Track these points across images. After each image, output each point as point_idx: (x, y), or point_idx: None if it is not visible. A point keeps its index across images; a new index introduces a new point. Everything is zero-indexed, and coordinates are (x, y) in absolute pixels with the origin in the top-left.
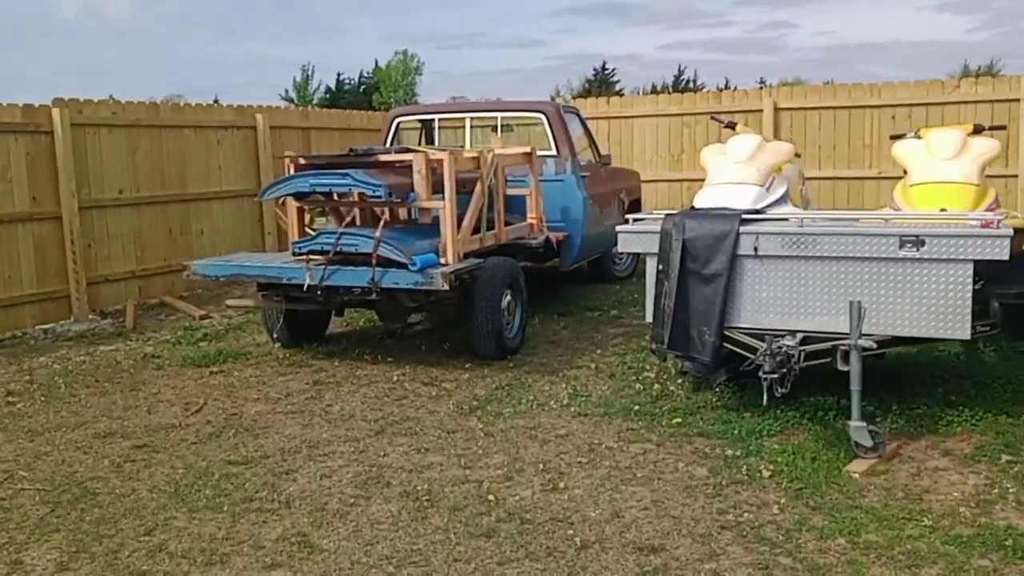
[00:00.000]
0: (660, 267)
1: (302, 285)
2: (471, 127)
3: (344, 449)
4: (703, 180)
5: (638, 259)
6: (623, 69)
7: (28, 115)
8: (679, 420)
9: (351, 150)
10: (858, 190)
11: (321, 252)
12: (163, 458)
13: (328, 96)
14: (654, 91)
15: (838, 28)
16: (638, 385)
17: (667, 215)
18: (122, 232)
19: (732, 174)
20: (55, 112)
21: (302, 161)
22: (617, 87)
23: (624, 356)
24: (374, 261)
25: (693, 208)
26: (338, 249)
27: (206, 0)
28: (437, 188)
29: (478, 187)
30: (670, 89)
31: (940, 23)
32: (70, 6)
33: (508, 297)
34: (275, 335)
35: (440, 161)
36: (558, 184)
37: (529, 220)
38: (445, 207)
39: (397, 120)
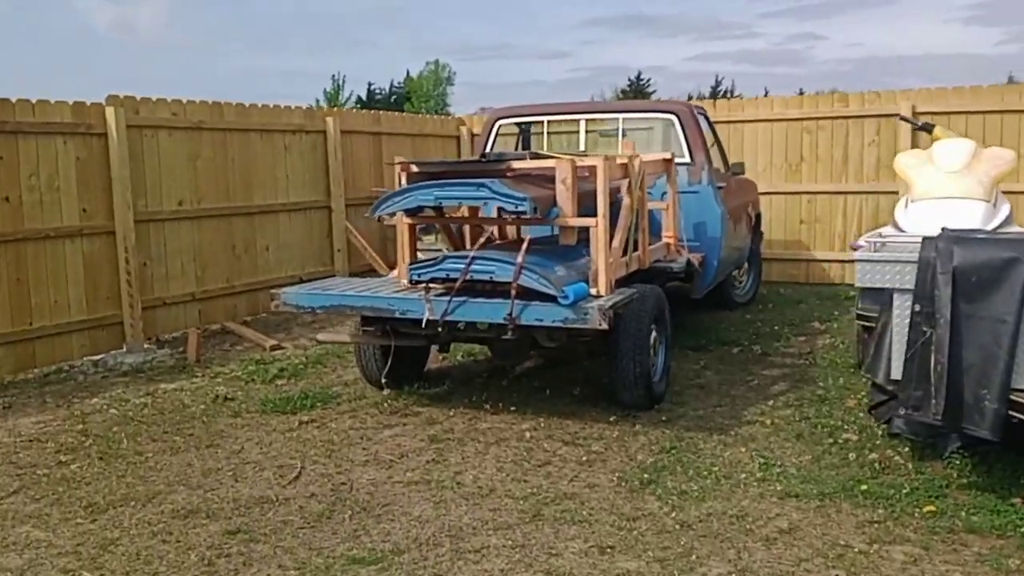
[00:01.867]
0: (918, 307)
1: (419, 320)
2: (586, 131)
3: (498, 542)
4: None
5: (759, 283)
6: (651, 81)
7: (79, 114)
8: (932, 508)
9: (482, 155)
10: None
11: (445, 280)
12: (265, 551)
13: (359, 107)
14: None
15: (866, 40)
16: (842, 451)
17: (925, 239)
18: (181, 249)
19: (949, 187)
20: (109, 111)
21: (415, 169)
22: (652, 98)
23: (801, 408)
24: (514, 292)
25: (899, 229)
26: (468, 277)
27: (235, 14)
28: (579, 201)
29: (627, 200)
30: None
31: (969, 36)
32: (101, 18)
33: (654, 333)
34: (371, 375)
35: (592, 168)
36: (692, 196)
37: (665, 239)
38: (598, 225)
39: (499, 123)
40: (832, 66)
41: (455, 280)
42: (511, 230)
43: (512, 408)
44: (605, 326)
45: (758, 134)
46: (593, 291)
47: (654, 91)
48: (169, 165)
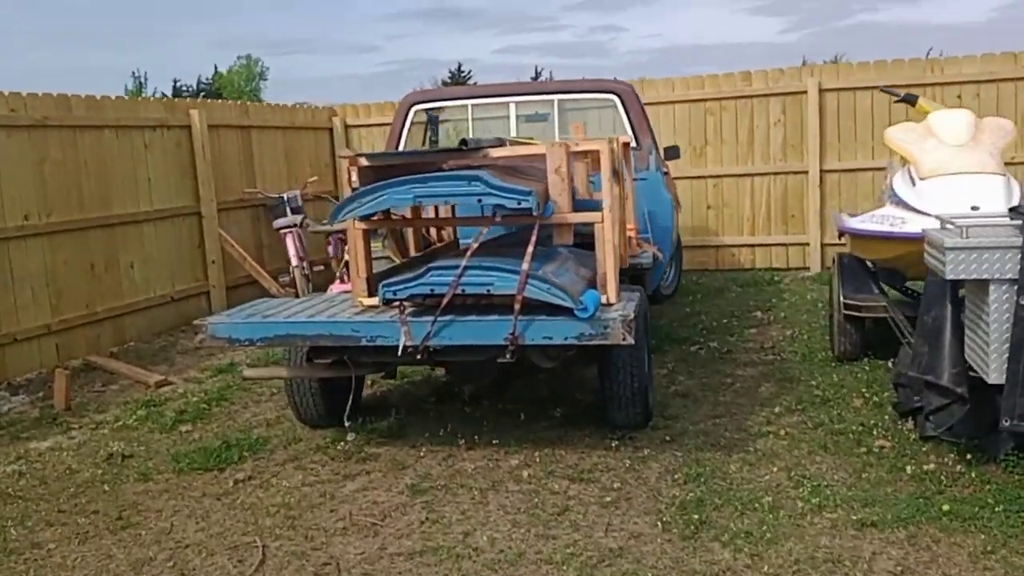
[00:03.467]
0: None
1: (392, 347)
2: (517, 116)
3: None
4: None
5: (681, 273)
6: (471, 73)
7: None
8: None
9: (462, 142)
10: None
11: (428, 296)
12: None
13: None
14: None
15: (665, 31)
16: (882, 462)
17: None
18: (31, 273)
19: (962, 161)
20: None
21: (364, 162)
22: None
23: (806, 412)
24: (518, 306)
25: (910, 208)
26: (460, 291)
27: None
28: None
29: (615, 190)
30: None
31: (755, 25)
32: None
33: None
34: (307, 413)
35: (595, 153)
36: (641, 183)
37: (627, 232)
38: (604, 221)
39: (414, 108)
40: (635, 56)
41: (440, 296)
42: (445, 232)
43: (491, 441)
44: (631, 340)
45: (659, 116)
46: (603, 299)
47: (475, 83)
48: (10, 172)
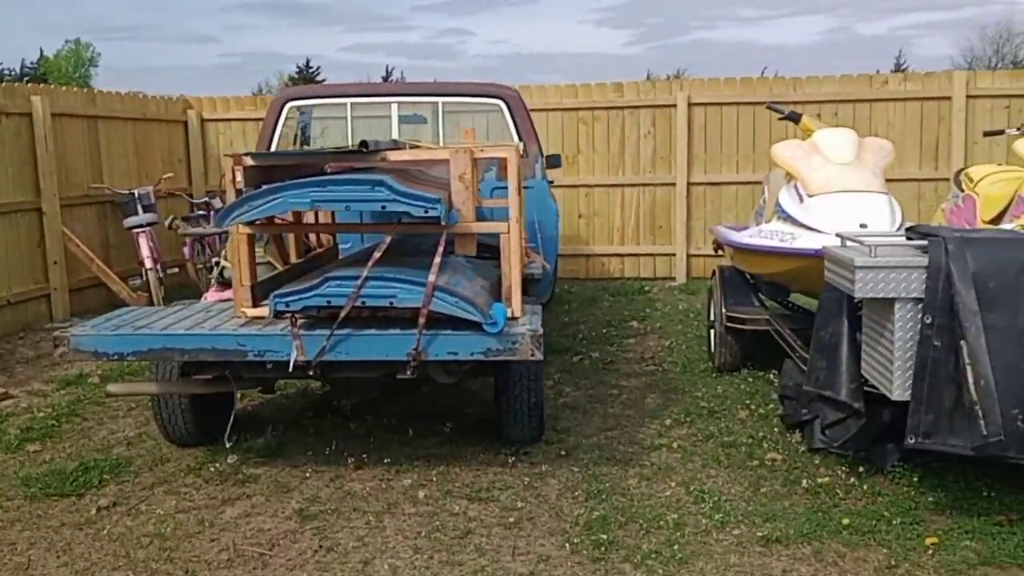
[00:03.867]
0: (929, 319)
1: (282, 363)
2: (399, 117)
3: None
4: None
5: (555, 281)
6: (319, 70)
7: None
8: (934, 540)
9: (363, 144)
10: None
11: (324, 308)
12: None
13: None
14: None
15: (511, 38)
16: (775, 474)
17: (930, 239)
18: None
19: (848, 180)
20: None
21: (250, 162)
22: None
23: (694, 424)
24: (423, 320)
25: (799, 224)
26: (360, 303)
27: None
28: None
29: (515, 197)
30: None
31: (601, 36)
32: None
33: None
34: (176, 432)
35: (503, 160)
36: (529, 192)
37: None
38: (512, 231)
39: (289, 105)
40: (483, 61)
41: (337, 308)
42: (324, 238)
43: (381, 459)
44: (539, 355)
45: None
46: (510, 312)
47: (324, 79)
48: None
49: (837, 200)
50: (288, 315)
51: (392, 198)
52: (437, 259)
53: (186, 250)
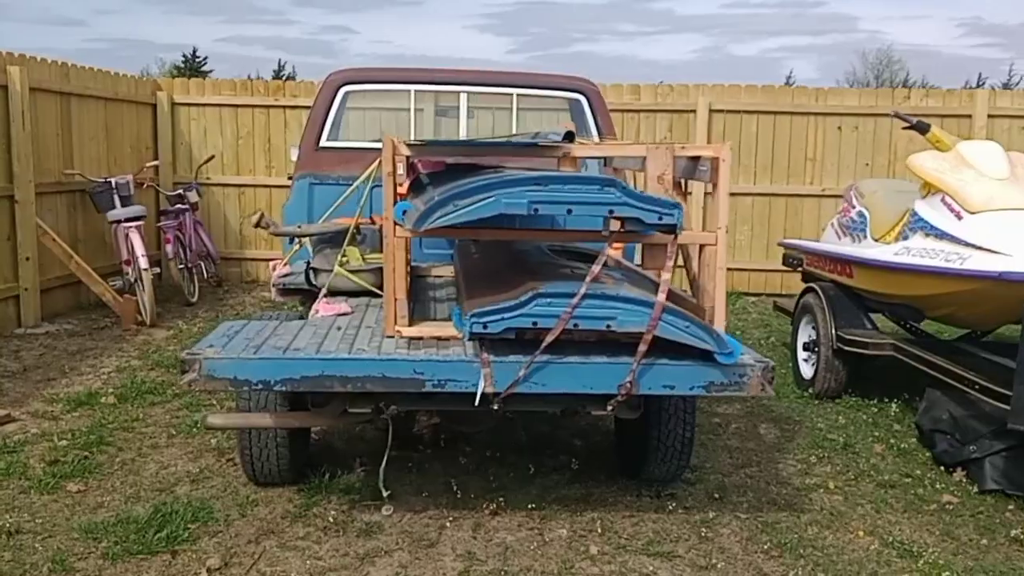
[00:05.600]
0: None
1: (467, 395)
2: (468, 108)
3: None
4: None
5: None
6: (207, 60)
7: None
8: None
9: (536, 136)
10: (796, 208)
11: (530, 330)
12: None
13: None
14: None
15: (394, 38)
16: (966, 520)
17: None
18: None
19: (1015, 197)
20: None
21: (405, 151)
22: (211, 77)
23: (833, 459)
24: (645, 347)
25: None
26: (573, 325)
27: None
28: None
29: (725, 203)
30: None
31: (484, 42)
32: None
33: None
34: (268, 472)
35: (717, 161)
36: None
37: None
38: (720, 243)
39: (345, 90)
40: (365, 60)
41: (543, 330)
42: None
43: (518, 503)
44: (770, 391)
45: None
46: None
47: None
48: None
49: (1009, 218)
50: (480, 337)
51: (623, 200)
52: (666, 275)
53: (168, 248)
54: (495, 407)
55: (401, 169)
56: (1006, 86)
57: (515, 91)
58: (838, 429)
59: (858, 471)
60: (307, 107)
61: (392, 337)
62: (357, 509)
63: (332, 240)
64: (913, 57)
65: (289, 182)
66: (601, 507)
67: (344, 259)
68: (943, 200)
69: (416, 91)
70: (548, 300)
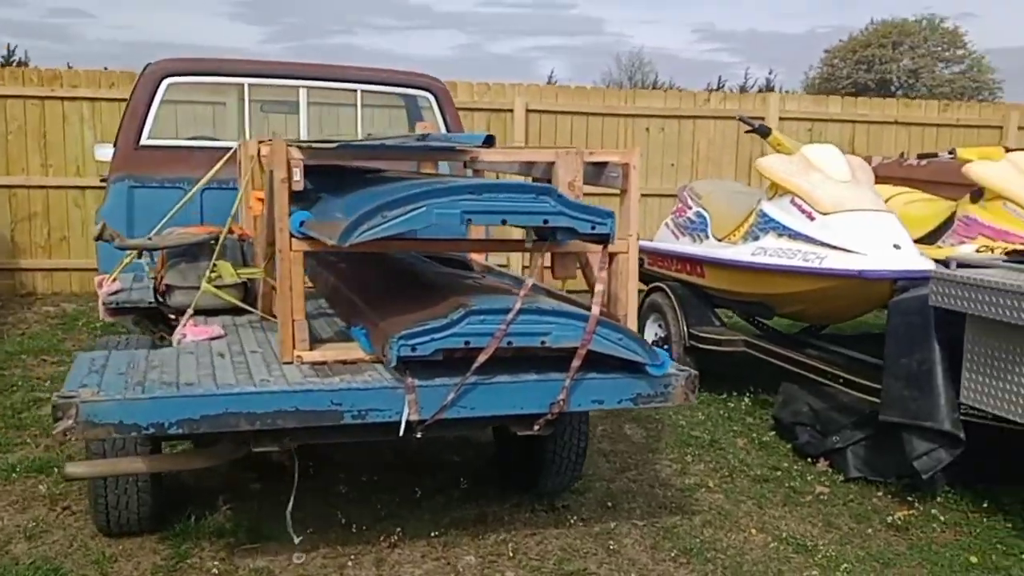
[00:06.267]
0: None
1: (391, 424)
2: (308, 104)
3: None
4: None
5: None
6: None
7: None
8: None
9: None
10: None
11: (460, 349)
12: None
13: None
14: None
15: (137, 24)
16: (843, 510)
17: None
18: None
19: (859, 199)
20: None
21: (297, 155)
22: None
23: (703, 456)
24: (578, 363)
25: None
26: (506, 343)
27: None
28: None
29: (636, 209)
30: None
31: (235, 31)
32: None
33: None
34: (124, 521)
35: (627, 168)
36: None
37: None
38: (631, 250)
39: (168, 82)
40: (104, 47)
41: (475, 349)
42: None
43: (416, 532)
44: (693, 400)
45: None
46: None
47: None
48: None
49: (860, 219)
50: (406, 361)
51: (558, 210)
52: (599, 287)
53: None
54: (418, 435)
55: (298, 175)
56: (743, 89)
57: (359, 87)
58: (699, 425)
59: (730, 467)
60: (89, 99)
61: (290, 363)
62: (238, 555)
63: (186, 253)
64: (659, 59)
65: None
66: (501, 527)
67: (214, 274)
68: (793, 202)
69: (249, 84)
70: (481, 317)
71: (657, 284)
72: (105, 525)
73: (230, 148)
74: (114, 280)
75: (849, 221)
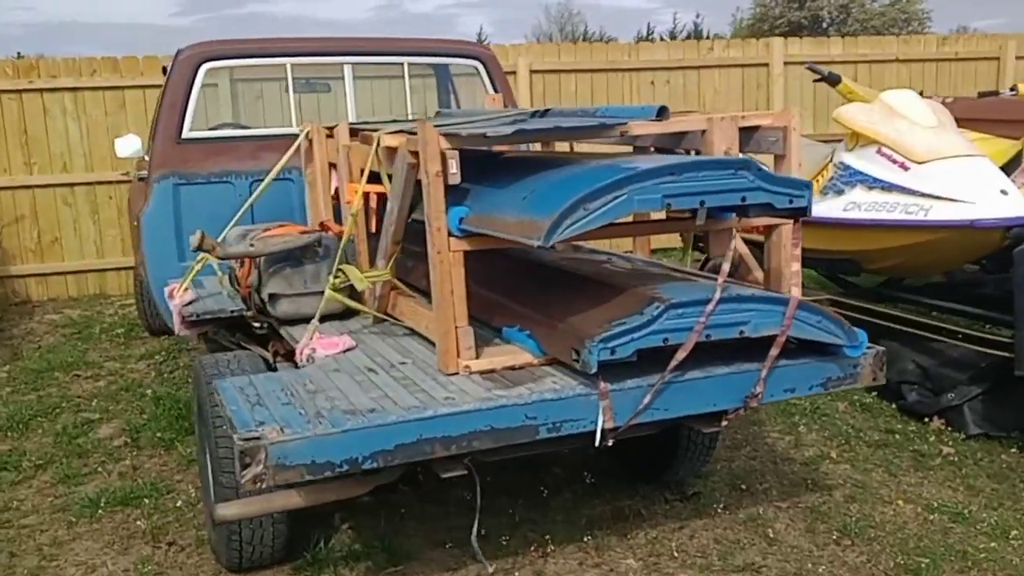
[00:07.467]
0: None
1: (584, 435)
2: (353, 79)
3: None
4: None
5: None
6: None
7: None
8: None
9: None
10: None
11: (658, 347)
12: None
13: None
14: None
15: (39, 5)
16: (975, 471)
17: None
18: None
19: (952, 145)
20: None
21: (447, 145)
22: None
23: (810, 424)
24: (776, 352)
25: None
26: (705, 336)
27: None
28: None
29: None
30: None
31: (144, 6)
32: None
33: None
34: (254, 551)
35: (787, 131)
36: None
37: None
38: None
39: (205, 68)
40: (3, 29)
41: (674, 346)
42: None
43: (567, 538)
44: (882, 379)
45: None
46: None
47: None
48: None
49: (959, 166)
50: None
51: (756, 185)
52: (795, 265)
53: None
54: (609, 443)
55: (454, 167)
56: (672, 35)
57: (405, 59)
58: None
59: (844, 434)
60: (71, 89)
61: (455, 374)
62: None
63: (289, 257)
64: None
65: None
66: (645, 523)
67: (337, 279)
68: (880, 152)
69: (292, 64)
70: (680, 311)
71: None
72: (237, 562)
73: (278, 135)
74: (185, 288)
75: (948, 169)
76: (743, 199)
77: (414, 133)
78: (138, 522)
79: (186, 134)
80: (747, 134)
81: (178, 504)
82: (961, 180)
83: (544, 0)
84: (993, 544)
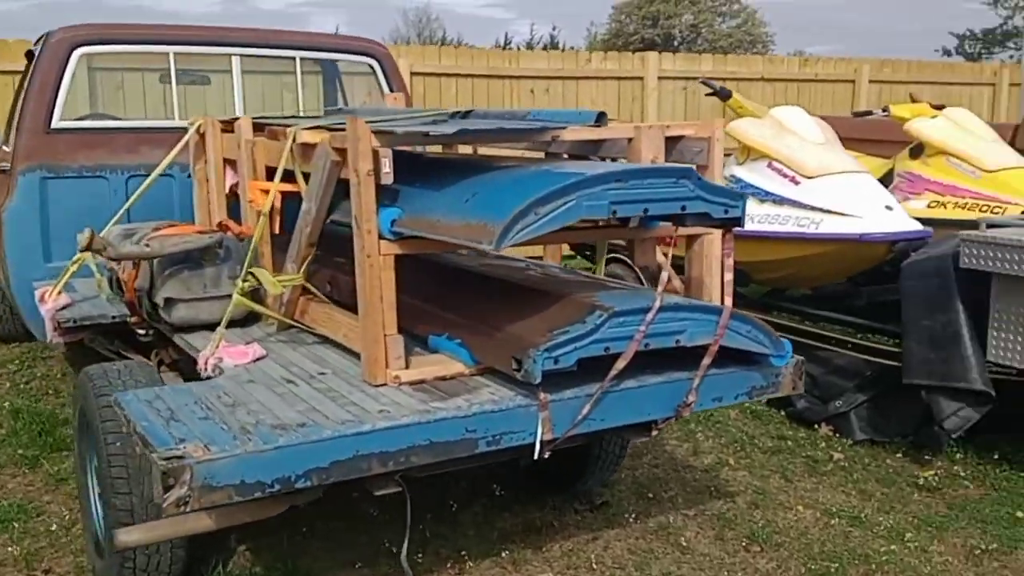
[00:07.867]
0: None
1: (523, 447)
2: (241, 72)
3: None
4: None
5: None
6: None
7: None
8: None
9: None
10: None
11: (598, 357)
12: None
13: None
14: None
15: None
16: (867, 475)
17: None
18: None
19: (842, 160)
20: None
21: (376, 144)
22: None
23: (706, 430)
24: (709, 360)
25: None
26: (643, 346)
27: None
28: None
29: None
30: None
31: None
32: None
33: None
34: None
35: (708, 141)
36: None
37: None
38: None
39: (79, 53)
40: None
41: (614, 355)
42: None
43: (487, 552)
44: (800, 388)
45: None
46: None
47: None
48: None
49: (847, 181)
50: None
51: (696, 194)
52: (728, 275)
53: None
54: (546, 455)
55: (387, 166)
56: (529, 45)
57: (298, 54)
58: None
59: (740, 441)
60: None
61: (383, 385)
62: None
63: (187, 259)
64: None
65: None
66: (558, 535)
67: (246, 283)
68: (771, 166)
69: (176, 53)
70: (621, 319)
71: (615, 255)
72: None
73: (159, 128)
74: (57, 292)
75: (837, 184)
76: (683, 208)
77: (335, 129)
78: (8, 548)
79: (56, 124)
80: (671, 143)
81: (52, 528)
82: (850, 195)
83: (402, 3)
84: (892, 547)
